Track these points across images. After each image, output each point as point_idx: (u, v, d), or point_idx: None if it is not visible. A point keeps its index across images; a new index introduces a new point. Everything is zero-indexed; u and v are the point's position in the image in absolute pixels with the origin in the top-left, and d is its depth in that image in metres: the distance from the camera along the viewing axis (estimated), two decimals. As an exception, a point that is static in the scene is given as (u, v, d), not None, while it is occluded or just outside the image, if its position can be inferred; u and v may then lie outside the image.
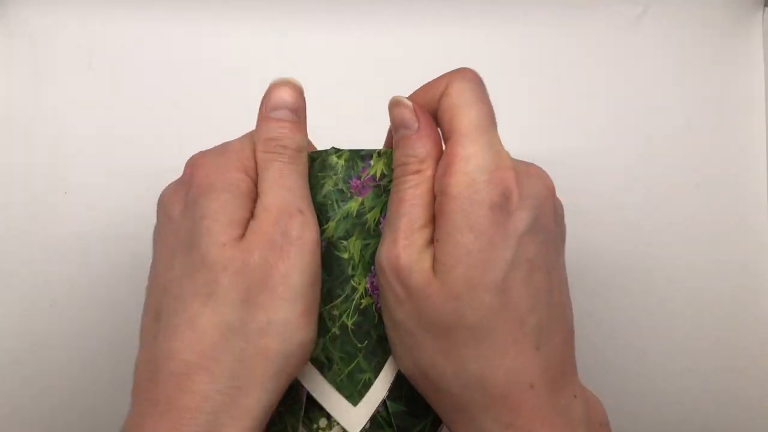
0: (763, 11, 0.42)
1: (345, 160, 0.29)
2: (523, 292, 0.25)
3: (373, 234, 0.29)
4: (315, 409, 0.29)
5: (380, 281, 0.26)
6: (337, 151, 0.29)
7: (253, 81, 0.41)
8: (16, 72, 0.40)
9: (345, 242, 0.29)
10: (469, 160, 0.25)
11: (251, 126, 0.41)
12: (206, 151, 0.29)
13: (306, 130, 0.28)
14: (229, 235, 0.25)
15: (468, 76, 0.27)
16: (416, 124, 0.27)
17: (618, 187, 0.41)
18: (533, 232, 0.25)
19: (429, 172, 0.26)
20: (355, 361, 0.28)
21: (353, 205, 0.29)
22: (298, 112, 0.28)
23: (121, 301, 0.39)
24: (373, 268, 0.29)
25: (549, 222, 0.26)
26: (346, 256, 0.29)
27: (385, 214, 0.29)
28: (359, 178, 0.29)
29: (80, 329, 0.39)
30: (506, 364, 0.25)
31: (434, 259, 0.25)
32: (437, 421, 0.29)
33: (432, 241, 0.26)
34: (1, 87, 0.40)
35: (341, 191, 0.29)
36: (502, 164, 0.25)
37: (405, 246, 0.25)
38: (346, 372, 0.28)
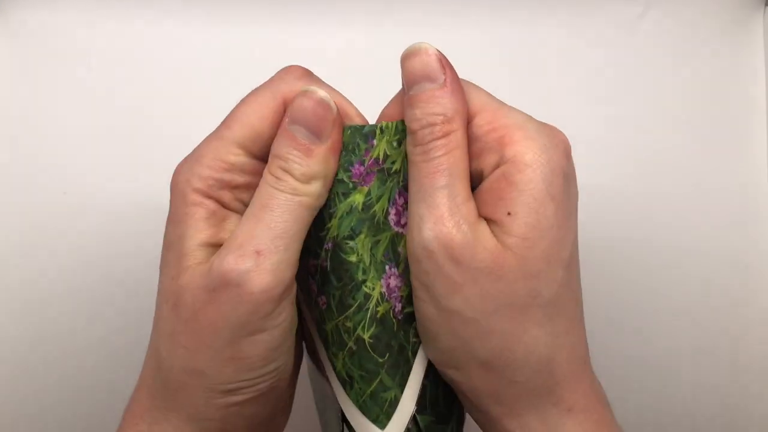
0: (764, 11, 0.42)
1: (345, 141, 0.25)
2: (576, 268, 0.24)
3: (383, 228, 0.25)
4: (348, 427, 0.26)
5: (423, 269, 0.23)
6: None
7: (254, 81, 0.41)
8: (16, 72, 0.40)
9: (352, 242, 0.25)
10: (526, 127, 0.23)
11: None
12: (184, 159, 0.26)
13: (330, 157, 0.24)
14: (179, 267, 0.24)
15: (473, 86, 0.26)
16: (443, 76, 0.23)
17: (618, 187, 0.41)
18: (577, 206, 0.25)
19: (461, 133, 0.23)
20: (378, 379, 0.25)
21: (358, 198, 0.25)
22: (320, 135, 0.24)
23: (121, 301, 0.39)
24: (388, 267, 0.25)
25: None
26: (354, 258, 0.25)
27: (393, 203, 0.25)
28: (362, 163, 0.25)
29: (80, 329, 0.39)
30: (570, 342, 0.24)
31: (504, 234, 0.22)
32: (460, 420, 0.28)
33: (477, 214, 0.23)
34: (1, 87, 0.40)
35: (341, 181, 0.25)
36: (554, 130, 0.24)
37: (457, 223, 0.23)
38: (369, 392, 0.25)
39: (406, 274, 0.25)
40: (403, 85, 0.24)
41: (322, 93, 0.24)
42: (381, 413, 0.25)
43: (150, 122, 0.40)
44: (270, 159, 0.24)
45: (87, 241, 0.39)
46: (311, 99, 0.24)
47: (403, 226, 0.25)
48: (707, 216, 0.41)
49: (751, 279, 0.42)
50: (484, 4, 0.42)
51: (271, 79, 0.26)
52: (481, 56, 0.26)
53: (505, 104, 0.25)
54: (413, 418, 0.25)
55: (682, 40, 0.42)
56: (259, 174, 0.25)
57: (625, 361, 0.41)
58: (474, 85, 0.25)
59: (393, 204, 0.25)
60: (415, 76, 0.24)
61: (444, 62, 0.24)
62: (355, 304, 0.25)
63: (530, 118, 0.24)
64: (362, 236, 0.25)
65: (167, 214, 0.26)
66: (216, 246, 0.24)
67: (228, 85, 0.41)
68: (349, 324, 0.25)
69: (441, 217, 0.23)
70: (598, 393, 0.25)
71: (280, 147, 0.24)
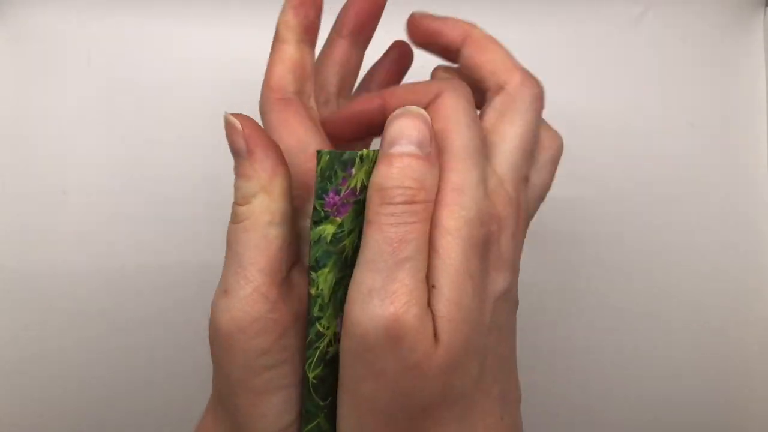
0: (764, 11, 0.42)
1: (322, 167, 0.22)
2: (494, 360, 0.22)
3: (350, 264, 0.23)
4: None
5: (349, 345, 0.20)
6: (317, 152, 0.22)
7: (254, 81, 0.41)
8: (16, 72, 0.40)
9: (314, 274, 0.22)
10: (462, 191, 0.21)
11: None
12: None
13: (259, 168, 0.22)
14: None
15: (462, 92, 0.23)
16: (430, 149, 0.21)
17: (617, 187, 0.41)
18: (506, 297, 0.22)
19: (431, 207, 0.21)
20: (315, 422, 0.23)
21: (329, 228, 0.22)
22: (238, 152, 0.23)
23: (121, 301, 0.39)
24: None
25: (516, 285, 0.23)
26: (313, 292, 0.23)
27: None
28: (338, 192, 0.22)
29: (80, 330, 0.39)
30: None
31: (435, 317, 0.20)
32: None
33: (428, 300, 0.20)
34: (1, 87, 0.40)
35: (314, 209, 0.22)
36: (492, 206, 0.22)
37: (409, 305, 0.20)
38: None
39: None
40: (382, 141, 0.22)
41: (225, 115, 0.23)
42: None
43: (150, 122, 0.40)
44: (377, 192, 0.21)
45: (87, 241, 0.39)
46: (225, 125, 0.23)
47: None
48: (707, 216, 0.41)
49: (751, 279, 0.42)
50: (484, 3, 0.42)
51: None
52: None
53: (479, 156, 0.22)
54: None
55: (682, 40, 0.42)
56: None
57: (625, 361, 0.41)
58: (468, 127, 0.23)
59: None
60: (402, 136, 0.21)
61: (433, 135, 0.21)
62: (307, 340, 0.23)
63: (481, 180, 0.22)
64: (326, 270, 0.23)
65: None
66: None
67: (228, 85, 0.41)
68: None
69: (395, 294, 0.20)
70: None
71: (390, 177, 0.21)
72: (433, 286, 0.20)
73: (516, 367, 0.24)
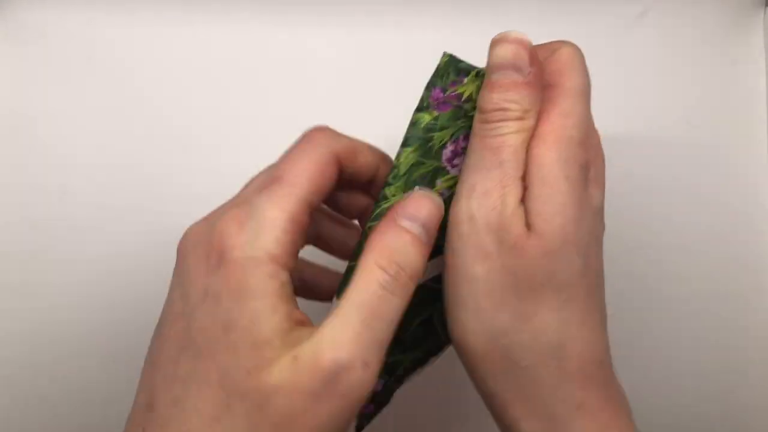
0: (764, 11, 0.42)
1: (439, 66, 0.25)
2: (596, 264, 0.24)
3: (433, 155, 0.26)
4: None
5: (459, 232, 0.24)
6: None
7: (254, 81, 0.41)
8: (16, 72, 0.40)
9: (400, 149, 0.26)
10: (569, 116, 0.24)
11: (251, 126, 0.41)
12: (235, 219, 0.23)
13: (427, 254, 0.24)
14: (258, 358, 0.21)
15: (578, 49, 0.26)
16: (529, 69, 0.24)
17: (617, 187, 0.41)
18: (601, 213, 0.25)
19: (531, 122, 0.24)
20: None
21: (425, 117, 0.25)
22: (429, 234, 0.24)
23: (121, 301, 0.39)
24: (416, 188, 0.26)
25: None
26: (394, 163, 0.26)
27: (455, 140, 0.26)
28: (444, 90, 0.25)
29: (80, 330, 0.39)
30: (584, 336, 0.24)
31: (527, 212, 0.23)
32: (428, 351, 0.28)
33: (521, 197, 0.24)
34: (1, 87, 0.40)
35: (421, 98, 0.25)
36: (593, 136, 0.25)
37: (504, 196, 0.23)
38: (345, 271, 0.26)
39: None
40: (488, 67, 0.25)
41: (436, 197, 0.25)
42: (342, 290, 0.24)
43: (150, 122, 0.40)
44: (376, 254, 0.23)
45: (87, 241, 0.39)
46: (431, 200, 0.24)
47: (454, 166, 0.26)
48: (707, 216, 0.41)
49: (751, 279, 0.42)
50: (484, 3, 0.42)
51: (311, 137, 0.25)
52: (481, 56, 0.26)
53: (588, 98, 0.26)
54: None
55: (682, 40, 0.42)
56: (306, 234, 0.24)
57: (624, 362, 0.41)
58: (583, 72, 0.26)
59: (454, 141, 0.26)
60: (501, 62, 0.24)
61: (534, 57, 0.24)
62: (375, 202, 0.26)
63: (586, 115, 0.25)
64: (410, 149, 0.26)
65: (217, 276, 0.22)
66: (285, 327, 0.22)
67: (229, 85, 0.41)
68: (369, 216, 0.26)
69: (492, 189, 0.23)
70: (615, 398, 0.25)
71: (394, 244, 0.23)
72: (526, 186, 0.23)
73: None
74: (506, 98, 0.24)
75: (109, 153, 0.40)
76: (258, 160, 0.40)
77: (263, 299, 0.22)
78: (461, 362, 0.26)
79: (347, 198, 0.28)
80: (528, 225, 0.23)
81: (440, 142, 0.26)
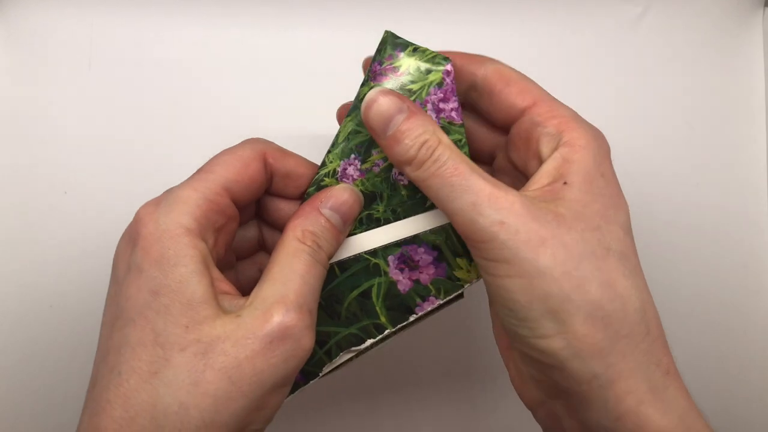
0: (763, 11, 0.42)
1: (380, 42, 0.28)
2: (635, 249, 0.26)
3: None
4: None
5: (500, 243, 0.24)
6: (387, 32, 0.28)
7: (253, 80, 0.41)
8: (16, 72, 0.40)
9: (343, 120, 0.28)
10: (578, 119, 0.26)
11: (251, 125, 0.41)
12: (153, 201, 0.26)
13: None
14: (195, 315, 0.23)
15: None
16: (405, 106, 0.26)
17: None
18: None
19: (447, 139, 0.26)
20: None
21: (365, 90, 0.28)
22: (347, 224, 0.28)
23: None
24: (354, 157, 0.28)
25: None
26: (336, 132, 0.28)
27: None
28: (380, 63, 0.28)
29: (80, 330, 0.39)
30: (651, 301, 0.25)
31: (559, 200, 0.25)
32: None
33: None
34: (1, 87, 0.40)
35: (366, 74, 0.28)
36: (595, 127, 0.27)
37: (507, 192, 0.25)
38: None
39: (368, 178, 0.29)
40: (376, 134, 0.27)
41: (357, 191, 0.28)
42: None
43: (150, 122, 0.40)
44: (300, 231, 0.26)
45: (87, 241, 0.39)
46: (352, 195, 0.28)
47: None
48: (707, 216, 0.41)
49: (751, 279, 0.42)
50: (484, 4, 0.42)
51: (242, 142, 0.28)
52: (497, 54, 0.26)
53: (554, 97, 0.28)
54: None
55: (682, 40, 0.42)
56: (232, 219, 0.27)
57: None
58: (527, 77, 0.28)
59: None
60: (385, 118, 0.26)
61: (399, 96, 0.26)
62: (320, 165, 0.29)
63: (576, 113, 0.27)
64: (349, 119, 0.28)
65: (136, 252, 0.24)
66: (214, 292, 0.24)
67: (228, 84, 0.41)
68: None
69: (492, 193, 0.24)
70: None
71: (314, 224, 0.27)
72: (565, 183, 0.25)
73: None
74: (414, 136, 0.25)
75: (108, 153, 0.40)
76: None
77: (187, 266, 0.24)
78: (547, 373, 0.25)
79: (289, 206, 0.30)
80: (560, 208, 0.25)
81: None
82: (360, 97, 0.28)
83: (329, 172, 0.28)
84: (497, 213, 0.24)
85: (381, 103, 0.26)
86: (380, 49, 0.28)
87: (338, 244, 0.27)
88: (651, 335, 0.25)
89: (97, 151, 0.40)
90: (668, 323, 0.42)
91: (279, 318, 0.23)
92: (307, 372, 0.29)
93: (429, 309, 0.29)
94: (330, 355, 0.29)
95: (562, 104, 0.27)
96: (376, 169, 0.29)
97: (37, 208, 0.39)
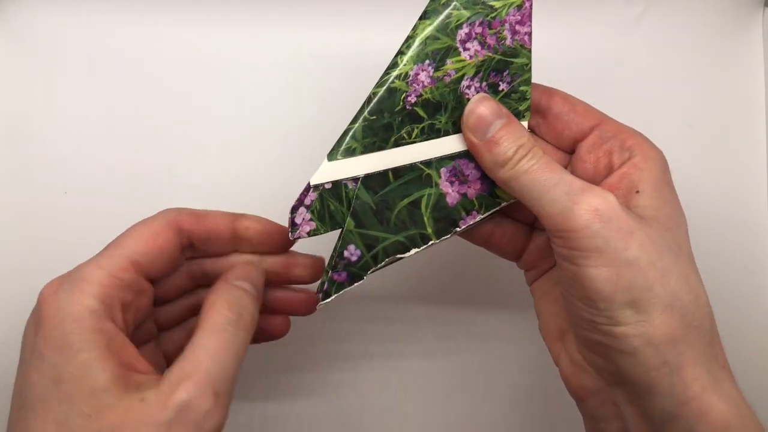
0: (763, 11, 0.42)
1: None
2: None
3: (448, 33, 0.28)
4: None
5: (593, 233, 0.26)
6: None
7: (253, 81, 0.41)
8: (16, 72, 0.40)
9: (418, 22, 0.29)
10: (641, 134, 0.29)
11: (250, 125, 0.41)
12: (57, 280, 0.26)
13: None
14: (97, 403, 0.23)
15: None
16: (505, 114, 0.28)
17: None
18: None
19: (537, 144, 0.28)
20: (355, 126, 0.29)
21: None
22: (257, 289, 0.28)
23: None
24: (428, 63, 0.28)
25: None
26: (411, 33, 0.29)
27: (470, 23, 0.28)
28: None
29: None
30: (708, 301, 0.27)
31: (633, 206, 0.27)
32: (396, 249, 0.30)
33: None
34: (1, 87, 0.40)
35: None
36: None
37: (593, 186, 0.27)
38: (344, 130, 0.29)
39: (437, 87, 0.29)
40: (474, 137, 0.29)
41: (258, 265, 0.29)
42: (337, 150, 0.29)
43: (150, 122, 0.40)
44: (218, 305, 0.26)
45: (87, 241, 0.39)
46: (255, 268, 0.29)
47: (465, 49, 0.29)
48: (707, 216, 0.41)
49: (751, 279, 0.42)
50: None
51: (153, 215, 0.28)
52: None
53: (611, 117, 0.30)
54: (355, 181, 0.29)
55: (682, 41, 0.42)
56: (141, 293, 0.26)
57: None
58: (585, 103, 0.31)
59: (470, 24, 0.29)
60: (483, 123, 0.28)
61: (498, 106, 0.28)
62: (389, 65, 0.29)
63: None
64: (428, 22, 0.28)
65: (39, 336, 0.24)
66: (122, 375, 0.23)
67: (228, 85, 0.41)
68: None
69: (585, 186, 0.26)
70: None
71: (231, 296, 0.26)
72: (637, 191, 0.27)
73: None
74: (512, 139, 0.28)
75: (108, 153, 0.40)
76: (259, 160, 0.41)
77: (90, 352, 0.23)
78: (615, 360, 0.26)
79: (217, 263, 0.30)
80: (635, 211, 0.27)
81: (457, 21, 0.28)
82: (441, 1, 0.28)
83: (401, 74, 0.28)
84: (591, 201, 0.25)
85: (485, 106, 0.28)
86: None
87: (257, 308, 0.27)
88: (713, 329, 0.26)
89: (97, 151, 0.40)
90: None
91: (180, 400, 0.23)
92: (353, 274, 0.29)
93: (471, 223, 0.30)
94: (376, 260, 0.29)
95: (619, 122, 0.30)
96: (447, 79, 0.29)
97: (37, 208, 0.39)
